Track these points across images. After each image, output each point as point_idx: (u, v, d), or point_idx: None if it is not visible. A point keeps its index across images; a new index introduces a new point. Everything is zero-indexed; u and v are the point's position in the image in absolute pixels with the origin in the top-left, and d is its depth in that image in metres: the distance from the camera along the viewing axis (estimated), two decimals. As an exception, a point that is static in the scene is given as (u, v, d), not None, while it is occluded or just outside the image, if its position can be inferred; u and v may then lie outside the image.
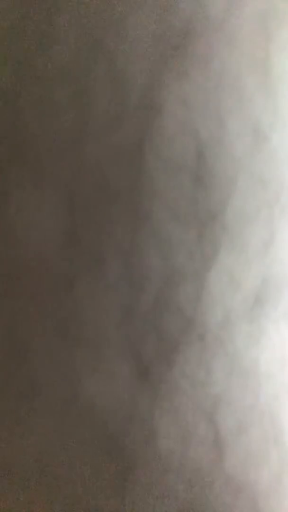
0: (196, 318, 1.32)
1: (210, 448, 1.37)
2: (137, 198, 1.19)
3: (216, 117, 1.29)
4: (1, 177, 1.03)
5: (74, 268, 1.13)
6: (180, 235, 1.27)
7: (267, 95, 1.37)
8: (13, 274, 1.06)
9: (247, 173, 1.36)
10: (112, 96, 1.14)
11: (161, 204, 1.23)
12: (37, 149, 1.06)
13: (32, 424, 1.10)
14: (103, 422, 1.19)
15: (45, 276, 1.09)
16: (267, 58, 1.36)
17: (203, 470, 1.36)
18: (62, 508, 1.15)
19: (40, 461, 1.12)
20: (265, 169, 1.40)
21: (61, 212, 1.10)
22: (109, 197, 1.16)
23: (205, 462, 1.36)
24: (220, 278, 1.35)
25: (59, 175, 1.09)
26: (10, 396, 1.07)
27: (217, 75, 1.28)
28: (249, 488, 1.44)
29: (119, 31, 1.13)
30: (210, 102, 1.28)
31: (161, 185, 1.23)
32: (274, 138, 1.40)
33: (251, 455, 1.45)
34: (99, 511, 1.20)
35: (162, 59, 1.19)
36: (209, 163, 1.29)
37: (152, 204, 1.22)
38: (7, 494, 1.09)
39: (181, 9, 1.21)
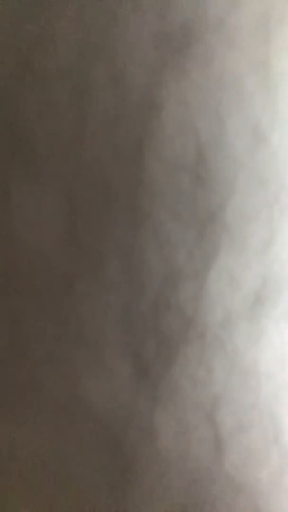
0: (196, 317, 1.32)
1: (210, 447, 1.37)
2: (137, 198, 1.19)
3: (216, 117, 1.29)
4: (1, 177, 1.03)
5: (74, 268, 1.13)
6: (180, 235, 1.27)
7: (267, 95, 1.37)
8: (13, 273, 1.06)
9: (247, 173, 1.36)
10: (112, 96, 1.14)
11: (161, 204, 1.23)
12: (37, 149, 1.06)
13: (32, 423, 1.10)
14: (103, 422, 1.19)
15: (45, 276, 1.09)
16: (267, 58, 1.36)
17: (203, 469, 1.36)
18: (63, 507, 1.16)
19: (41, 460, 1.12)
20: (265, 169, 1.40)
21: (61, 212, 1.10)
22: (109, 197, 1.16)
23: (205, 461, 1.36)
24: (220, 278, 1.35)
25: (59, 175, 1.09)
26: (10, 395, 1.08)
27: (217, 75, 1.28)
28: (249, 488, 1.45)
29: (119, 31, 1.13)
30: (210, 102, 1.28)
31: (161, 185, 1.23)
32: (274, 138, 1.40)
33: (251, 455, 1.45)
34: (99, 510, 1.20)
35: (162, 59, 1.19)
36: (209, 163, 1.29)
37: (152, 204, 1.22)
38: (8, 493, 1.09)
39: (181, 9, 1.21)
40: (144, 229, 1.21)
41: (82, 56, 1.09)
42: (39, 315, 1.09)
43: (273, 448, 1.49)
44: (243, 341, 1.41)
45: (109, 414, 1.20)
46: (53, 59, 1.06)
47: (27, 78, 1.04)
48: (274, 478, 1.49)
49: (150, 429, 1.26)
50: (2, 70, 1.01)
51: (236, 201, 1.35)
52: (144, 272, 1.22)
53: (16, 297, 1.07)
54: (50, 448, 1.13)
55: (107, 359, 1.19)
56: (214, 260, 1.33)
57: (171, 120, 1.22)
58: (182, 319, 1.29)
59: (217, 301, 1.35)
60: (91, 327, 1.16)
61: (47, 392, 1.11)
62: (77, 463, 1.17)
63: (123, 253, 1.19)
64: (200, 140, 1.27)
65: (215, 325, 1.35)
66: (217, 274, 1.34)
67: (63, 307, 1.12)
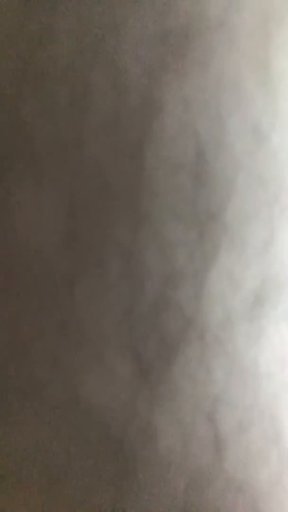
0: (196, 318, 1.32)
1: (210, 447, 1.37)
2: (137, 198, 1.20)
3: (216, 117, 1.29)
4: (2, 177, 1.03)
5: (74, 268, 1.13)
6: (180, 235, 1.27)
7: (267, 95, 1.37)
8: (13, 274, 1.06)
9: (246, 173, 1.36)
10: (112, 96, 1.14)
11: (161, 204, 1.23)
12: (37, 149, 1.06)
13: (33, 423, 1.10)
14: (103, 422, 1.19)
15: (45, 276, 1.09)
16: (267, 58, 1.36)
17: (203, 469, 1.36)
18: (63, 507, 1.16)
19: (41, 460, 1.12)
20: (264, 169, 1.40)
21: (62, 212, 1.10)
22: (109, 197, 1.16)
23: (205, 461, 1.36)
24: (220, 278, 1.35)
25: (59, 175, 1.09)
26: (11, 395, 1.08)
27: (217, 75, 1.28)
28: (249, 488, 1.45)
29: (119, 32, 1.13)
30: (210, 102, 1.28)
31: (161, 185, 1.23)
32: (274, 138, 1.40)
33: (251, 455, 1.45)
34: (99, 510, 1.20)
35: (162, 59, 1.19)
36: (209, 163, 1.29)
37: (152, 204, 1.22)
38: (8, 493, 1.09)
39: (181, 9, 1.21)
40: (144, 229, 1.21)
41: (82, 56, 1.09)
42: (39, 315, 1.09)
43: (273, 448, 1.49)
44: (243, 341, 1.41)
45: (109, 414, 1.20)
46: (53, 59, 1.06)
47: (27, 78, 1.04)
48: (274, 478, 1.49)
49: (150, 429, 1.26)
50: (2, 70, 1.01)
51: (236, 201, 1.35)
52: (144, 272, 1.22)
53: (16, 297, 1.07)
54: (49, 448, 1.13)
55: (107, 359, 1.19)
56: (214, 260, 1.33)
57: (171, 120, 1.22)
58: (182, 319, 1.30)
59: (217, 301, 1.35)
60: (91, 327, 1.16)
61: (47, 392, 1.11)
62: (76, 463, 1.17)
63: (123, 253, 1.19)
64: (200, 140, 1.27)
65: (215, 325, 1.35)
66: (217, 274, 1.34)
67: (63, 307, 1.12)
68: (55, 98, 1.07)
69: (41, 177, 1.08)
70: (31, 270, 1.08)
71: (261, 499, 1.47)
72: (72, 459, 1.16)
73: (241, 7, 1.30)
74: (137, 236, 1.20)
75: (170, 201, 1.24)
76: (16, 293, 1.07)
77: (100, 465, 1.20)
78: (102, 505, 1.21)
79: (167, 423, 1.29)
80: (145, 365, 1.25)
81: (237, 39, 1.30)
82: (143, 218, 1.21)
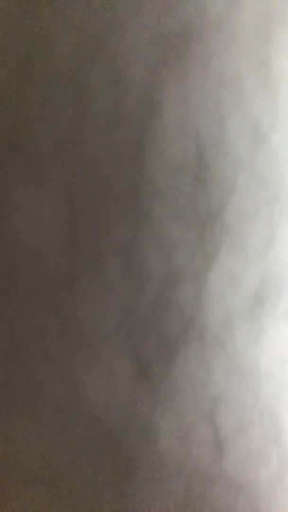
0: (196, 317, 1.32)
1: (210, 447, 1.37)
2: (137, 198, 1.20)
3: (216, 117, 1.29)
4: (2, 177, 1.03)
5: (74, 268, 1.13)
6: (180, 235, 1.27)
7: (267, 95, 1.37)
8: (13, 273, 1.06)
9: (247, 173, 1.36)
10: (112, 96, 1.14)
11: (161, 204, 1.23)
12: (37, 149, 1.07)
13: (33, 424, 1.11)
14: (103, 422, 1.19)
15: (45, 276, 1.09)
16: (267, 58, 1.36)
17: (203, 469, 1.36)
18: (63, 507, 1.16)
19: (41, 460, 1.12)
20: (265, 168, 1.40)
21: (61, 212, 1.10)
22: (109, 197, 1.16)
23: (205, 461, 1.36)
24: (220, 277, 1.35)
25: (59, 175, 1.09)
26: (11, 396, 1.08)
27: (217, 75, 1.28)
28: (249, 488, 1.45)
29: (119, 32, 1.13)
30: (210, 102, 1.28)
31: (161, 185, 1.23)
32: (274, 138, 1.40)
33: (251, 455, 1.45)
34: (100, 510, 1.21)
35: (162, 59, 1.19)
36: (209, 163, 1.29)
37: (152, 204, 1.22)
38: (9, 493, 1.09)
39: (181, 9, 1.21)
40: (144, 229, 1.21)
41: (82, 56, 1.09)
42: (39, 315, 1.09)
43: (273, 448, 1.49)
44: (243, 341, 1.41)
45: (109, 414, 1.20)
46: (53, 59, 1.06)
47: (27, 78, 1.04)
48: (274, 478, 1.49)
49: (150, 429, 1.26)
50: (2, 70, 1.01)
51: (236, 201, 1.35)
52: (144, 272, 1.22)
53: (16, 297, 1.07)
54: (50, 448, 1.13)
55: (107, 359, 1.19)
56: (214, 260, 1.33)
57: (171, 120, 1.22)
58: (182, 319, 1.30)
59: (217, 301, 1.35)
60: (91, 327, 1.16)
61: (47, 392, 1.11)
62: (76, 464, 1.17)
63: (123, 253, 1.19)
64: (200, 140, 1.27)
65: (215, 325, 1.35)
66: (217, 274, 1.34)
67: (63, 307, 1.12)
68: (55, 98, 1.07)
69: (41, 177, 1.08)
70: (31, 270, 1.08)
71: (261, 499, 1.47)
72: (73, 459, 1.16)
73: (241, 7, 1.30)
74: (137, 236, 1.20)
75: (170, 201, 1.25)
76: (16, 293, 1.07)
77: (100, 464, 1.20)
78: (102, 505, 1.21)
79: (167, 423, 1.29)
80: (145, 365, 1.25)
81: (237, 39, 1.30)
82: (143, 218, 1.21)
